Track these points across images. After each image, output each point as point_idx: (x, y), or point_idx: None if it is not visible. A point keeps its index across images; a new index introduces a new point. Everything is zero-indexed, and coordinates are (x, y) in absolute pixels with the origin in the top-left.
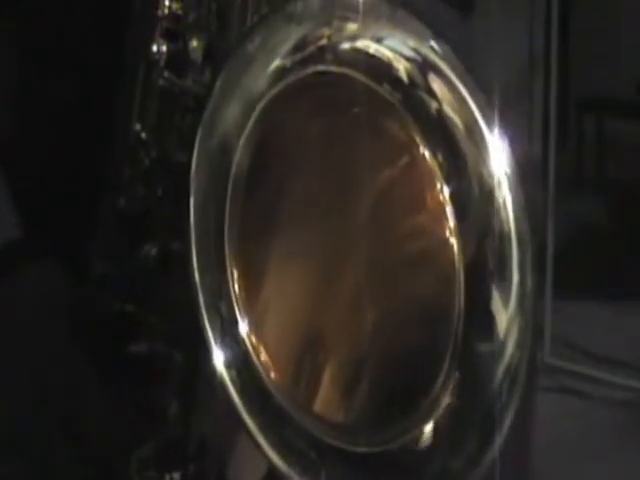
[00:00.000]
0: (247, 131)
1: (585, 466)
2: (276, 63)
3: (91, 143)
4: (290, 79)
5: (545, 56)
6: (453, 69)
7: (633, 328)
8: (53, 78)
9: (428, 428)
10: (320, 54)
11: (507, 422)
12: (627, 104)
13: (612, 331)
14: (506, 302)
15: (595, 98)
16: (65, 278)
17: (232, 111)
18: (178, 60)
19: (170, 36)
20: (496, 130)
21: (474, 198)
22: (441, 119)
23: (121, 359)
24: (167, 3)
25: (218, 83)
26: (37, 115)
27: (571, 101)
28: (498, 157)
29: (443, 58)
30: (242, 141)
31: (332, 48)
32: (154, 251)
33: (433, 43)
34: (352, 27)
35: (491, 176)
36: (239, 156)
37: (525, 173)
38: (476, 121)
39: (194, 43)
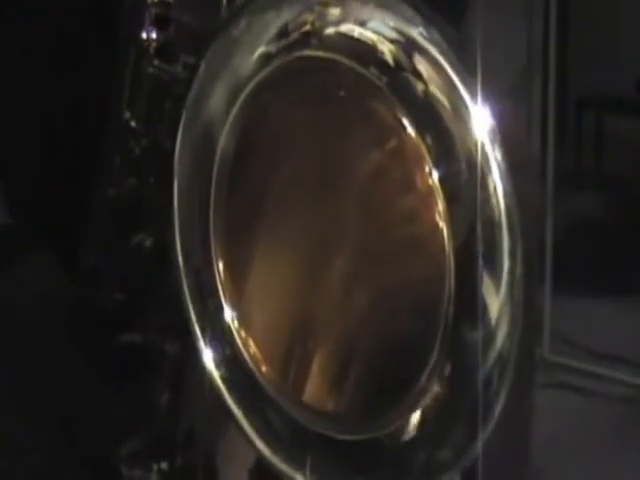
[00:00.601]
0: (232, 116)
1: (585, 463)
2: (260, 50)
3: (81, 133)
4: (275, 65)
5: (544, 54)
6: (440, 51)
7: (633, 324)
8: (41, 69)
9: (416, 416)
10: (305, 40)
11: (496, 412)
12: (626, 102)
13: (612, 327)
14: (497, 289)
15: (594, 96)
16: (57, 270)
17: (217, 96)
18: (168, 47)
19: (160, 23)
20: (485, 112)
21: (464, 181)
22: (428, 100)
23: (112, 351)
24: None
25: (202, 67)
26: (27, 107)
27: (570, 99)
28: (488, 140)
29: (429, 40)
30: (227, 126)
31: (316, 33)
32: (146, 241)
33: (421, 28)
34: (334, 11)
35: (481, 159)
36: (224, 142)
37: (517, 160)
38: (464, 102)
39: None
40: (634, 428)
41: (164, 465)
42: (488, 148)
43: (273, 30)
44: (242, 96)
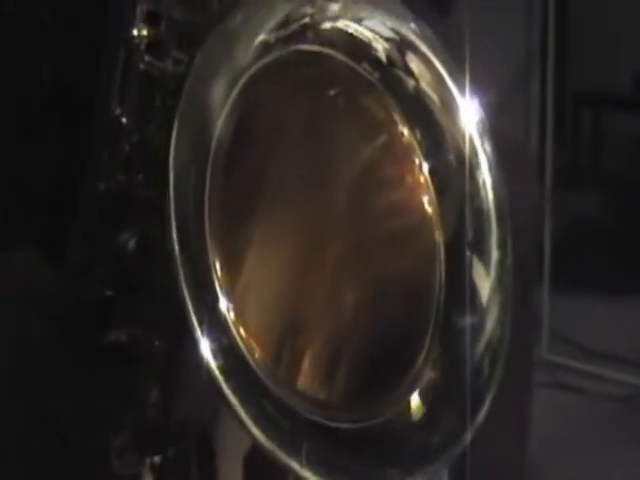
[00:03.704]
0: (229, 106)
1: (583, 462)
2: (261, 38)
3: (71, 128)
4: (272, 56)
5: (542, 50)
6: (431, 47)
7: (632, 323)
8: (32, 62)
9: (409, 404)
10: (302, 32)
11: (488, 398)
12: (625, 98)
13: (611, 326)
14: (486, 277)
15: (592, 92)
16: (45, 264)
17: (213, 86)
18: (159, 43)
19: (151, 19)
20: (474, 105)
21: (453, 172)
22: (418, 96)
23: (101, 345)
24: None
25: (198, 57)
26: (16, 101)
27: (568, 95)
28: (476, 132)
29: (421, 37)
30: (223, 116)
31: (314, 27)
32: (134, 237)
33: (412, 24)
34: (334, 7)
35: (470, 152)
36: (220, 131)
37: (506, 152)
38: (453, 97)
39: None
40: (632, 428)
41: (156, 458)
42: (477, 141)
43: (275, 19)
44: (239, 85)
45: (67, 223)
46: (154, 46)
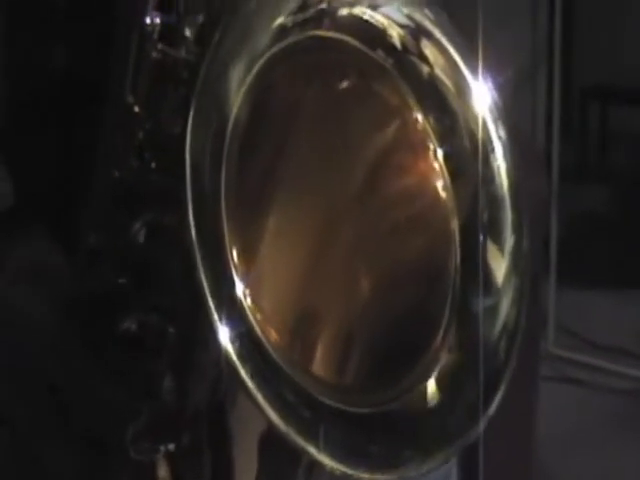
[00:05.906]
0: (244, 91)
1: (589, 455)
2: (279, 21)
3: (85, 116)
4: (289, 40)
5: (548, 44)
6: (445, 33)
7: (638, 317)
8: (44, 49)
9: (426, 387)
10: (319, 18)
11: (505, 381)
12: (631, 93)
13: (616, 320)
14: (501, 261)
15: (599, 87)
16: (57, 251)
17: (230, 68)
18: (172, 31)
19: (164, 7)
20: (487, 90)
21: (467, 158)
22: (432, 82)
23: (114, 333)
24: None
25: (216, 38)
26: (29, 86)
27: (575, 90)
28: (491, 118)
29: (435, 23)
30: (239, 101)
31: (331, 12)
32: (147, 224)
33: (427, 10)
34: None
35: (484, 138)
36: (235, 116)
37: (519, 139)
38: (467, 83)
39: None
40: (638, 421)
41: (170, 446)
42: (491, 127)
43: (293, 2)
44: (256, 68)
45: (81, 210)
46: (167, 34)
